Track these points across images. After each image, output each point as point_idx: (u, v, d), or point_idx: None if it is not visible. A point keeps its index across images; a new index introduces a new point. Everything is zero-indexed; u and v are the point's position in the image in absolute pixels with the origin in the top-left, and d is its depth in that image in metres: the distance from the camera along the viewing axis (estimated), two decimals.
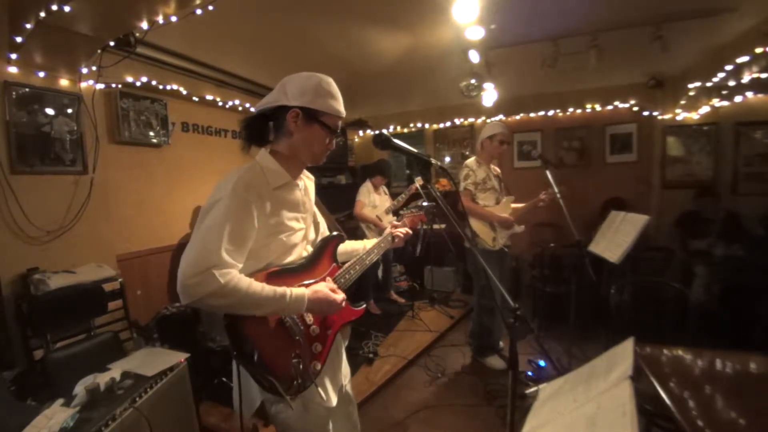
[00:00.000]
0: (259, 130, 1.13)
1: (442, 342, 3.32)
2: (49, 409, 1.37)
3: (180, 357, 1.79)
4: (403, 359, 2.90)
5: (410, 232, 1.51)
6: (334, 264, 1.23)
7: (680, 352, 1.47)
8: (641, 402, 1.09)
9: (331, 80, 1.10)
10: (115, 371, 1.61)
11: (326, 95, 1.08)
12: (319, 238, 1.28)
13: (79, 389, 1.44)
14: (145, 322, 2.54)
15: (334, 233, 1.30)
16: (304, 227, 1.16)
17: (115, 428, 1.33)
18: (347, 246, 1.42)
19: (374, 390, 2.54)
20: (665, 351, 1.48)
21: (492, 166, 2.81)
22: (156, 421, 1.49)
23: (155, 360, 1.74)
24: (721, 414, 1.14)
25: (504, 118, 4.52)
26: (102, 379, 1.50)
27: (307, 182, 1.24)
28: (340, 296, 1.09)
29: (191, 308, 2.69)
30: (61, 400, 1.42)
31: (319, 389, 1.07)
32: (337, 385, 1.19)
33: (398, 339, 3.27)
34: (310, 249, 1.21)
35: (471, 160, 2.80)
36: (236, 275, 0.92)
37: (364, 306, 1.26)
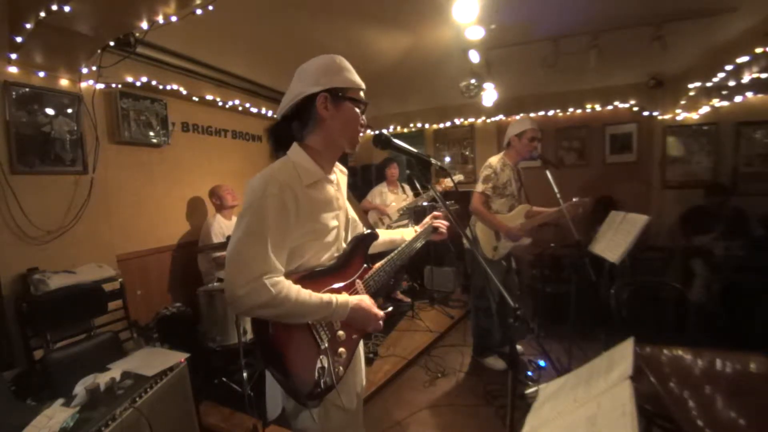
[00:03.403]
0: (286, 136, 1.08)
1: (442, 342, 3.32)
2: (49, 409, 1.37)
3: (180, 357, 1.79)
4: (403, 359, 2.90)
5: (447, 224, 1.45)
6: (365, 265, 1.19)
7: (680, 352, 1.47)
8: (641, 402, 1.09)
9: (341, 56, 1.07)
10: (115, 371, 1.61)
11: (343, 70, 1.04)
12: (351, 236, 1.23)
13: (79, 389, 1.44)
14: (145, 322, 2.54)
15: (367, 231, 1.24)
16: (338, 224, 1.11)
17: (115, 428, 1.33)
18: (385, 236, 1.38)
19: (374, 390, 2.54)
20: (665, 351, 1.48)
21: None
22: (156, 421, 1.49)
23: (155, 360, 1.74)
24: (721, 414, 1.14)
25: (504, 118, 4.52)
26: (102, 379, 1.50)
27: (339, 176, 1.18)
28: (381, 313, 1.08)
29: (191, 308, 2.70)
30: (61, 400, 1.42)
31: (342, 396, 1.05)
32: (356, 388, 1.17)
33: (398, 339, 3.27)
34: (343, 246, 1.16)
35: (495, 160, 2.55)
36: (286, 284, 0.91)
37: (390, 309, 1.19)
